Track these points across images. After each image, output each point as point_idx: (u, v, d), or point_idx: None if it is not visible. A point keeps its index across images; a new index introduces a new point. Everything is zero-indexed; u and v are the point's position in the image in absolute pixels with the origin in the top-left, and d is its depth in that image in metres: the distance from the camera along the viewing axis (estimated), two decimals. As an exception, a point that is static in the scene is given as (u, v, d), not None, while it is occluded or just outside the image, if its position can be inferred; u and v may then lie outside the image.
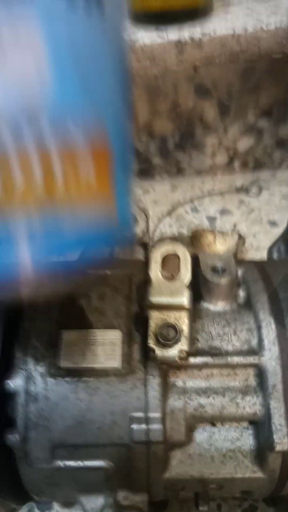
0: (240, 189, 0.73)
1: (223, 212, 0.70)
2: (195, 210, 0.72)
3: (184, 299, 0.31)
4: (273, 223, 0.67)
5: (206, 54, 0.61)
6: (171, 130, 0.74)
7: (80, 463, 0.32)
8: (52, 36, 0.17)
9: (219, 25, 0.61)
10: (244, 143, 0.74)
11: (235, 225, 0.67)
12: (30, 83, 0.17)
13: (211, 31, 0.60)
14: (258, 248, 0.63)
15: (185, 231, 0.68)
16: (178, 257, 0.34)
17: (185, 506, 0.41)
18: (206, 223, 0.69)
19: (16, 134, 0.17)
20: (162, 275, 0.33)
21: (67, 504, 0.43)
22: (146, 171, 0.77)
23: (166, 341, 0.30)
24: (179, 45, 0.60)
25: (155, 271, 0.33)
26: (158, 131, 0.74)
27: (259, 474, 0.32)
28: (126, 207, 0.23)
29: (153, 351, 0.30)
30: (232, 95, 0.70)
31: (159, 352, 0.30)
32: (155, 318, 0.31)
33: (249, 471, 0.32)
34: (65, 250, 0.19)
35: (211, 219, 0.69)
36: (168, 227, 0.70)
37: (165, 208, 0.73)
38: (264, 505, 0.41)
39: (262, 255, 0.62)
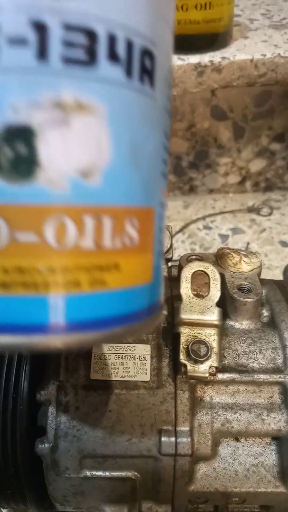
0: (251, 209, 0.74)
1: (235, 230, 0.72)
2: (207, 227, 0.73)
3: (215, 317, 0.32)
4: (284, 243, 0.69)
5: (224, 78, 0.63)
6: (186, 149, 0.76)
7: (107, 474, 0.32)
8: (111, 104, 0.18)
9: (238, 51, 0.63)
10: (257, 164, 0.76)
11: (248, 244, 0.68)
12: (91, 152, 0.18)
13: (230, 56, 0.62)
14: (270, 267, 0.65)
15: (197, 248, 0.69)
16: (206, 275, 0.35)
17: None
18: (218, 241, 0.71)
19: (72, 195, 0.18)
20: (192, 293, 0.34)
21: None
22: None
23: (197, 357, 0.31)
24: (199, 68, 0.62)
25: (186, 289, 0.34)
26: (173, 149, 0.76)
27: (281, 489, 0.33)
28: (159, 268, 0.23)
29: (185, 366, 0.31)
30: (247, 118, 0.72)
31: (190, 367, 0.31)
32: (186, 335, 0.32)
33: (271, 486, 0.33)
34: (107, 311, 0.19)
35: (223, 237, 0.71)
36: (180, 243, 0.71)
37: (177, 224, 0.74)
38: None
39: (273, 273, 0.63)
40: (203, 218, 0.75)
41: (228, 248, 0.39)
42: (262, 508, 0.36)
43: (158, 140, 0.21)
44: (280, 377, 0.33)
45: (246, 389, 0.33)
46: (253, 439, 0.33)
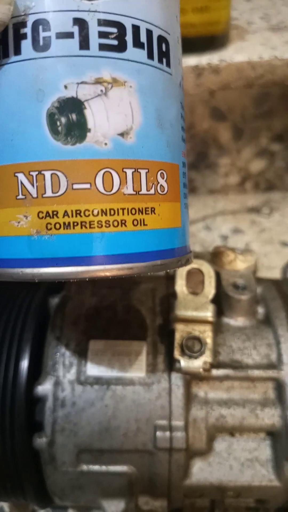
0: (251, 209, 0.75)
1: (235, 231, 0.72)
2: (207, 228, 0.74)
3: (209, 313, 0.33)
4: (284, 244, 0.69)
5: (222, 80, 0.64)
6: (186, 150, 0.76)
7: (104, 468, 0.33)
8: (138, 79, 0.23)
9: (236, 53, 0.64)
10: (256, 165, 0.77)
11: (247, 245, 0.69)
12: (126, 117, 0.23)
13: (227, 58, 0.63)
14: (269, 268, 0.65)
15: (197, 248, 0.70)
16: (201, 273, 0.36)
17: (198, 516, 0.42)
18: (218, 241, 0.71)
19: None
20: (187, 290, 0.34)
21: (82, 510, 0.44)
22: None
23: (192, 352, 0.32)
24: (197, 70, 0.63)
25: (181, 286, 0.34)
26: (173, 151, 0.76)
27: (276, 483, 0.33)
28: (186, 217, 0.27)
29: (179, 361, 0.32)
30: (246, 119, 0.73)
31: (184, 363, 0.32)
32: (181, 331, 0.33)
33: (266, 480, 0.33)
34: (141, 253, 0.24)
35: (223, 238, 0.71)
36: (180, 244, 0.72)
37: (178, 225, 0.75)
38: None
39: (272, 274, 0.64)
40: (203, 218, 0.75)
41: (224, 247, 0.40)
42: (257, 502, 0.36)
43: (177, 109, 0.26)
44: (274, 372, 0.33)
45: (240, 385, 0.34)
46: (248, 434, 0.34)
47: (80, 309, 0.36)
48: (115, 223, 0.22)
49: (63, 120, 0.22)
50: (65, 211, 0.22)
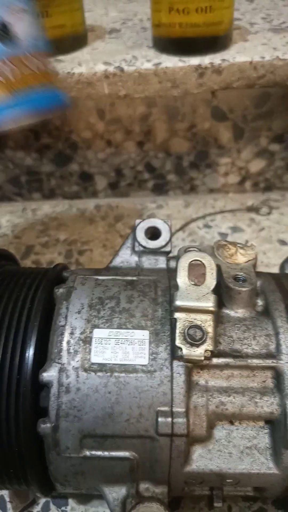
0: (250, 208, 0.76)
1: (234, 229, 0.73)
2: (207, 226, 0.75)
3: (210, 303, 0.34)
4: (282, 242, 0.70)
5: (224, 79, 0.65)
6: (187, 149, 0.77)
7: (106, 453, 0.34)
8: None
9: (238, 53, 0.65)
10: (256, 165, 0.78)
11: (246, 242, 0.70)
12: None
13: (230, 58, 0.64)
14: (268, 265, 0.66)
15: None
16: (203, 265, 0.37)
17: (197, 507, 0.43)
18: (217, 239, 0.72)
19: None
20: (189, 281, 0.35)
21: (82, 500, 0.45)
22: (161, 187, 0.81)
23: (193, 340, 0.33)
24: (199, 69, 0.64)
25: (183, 277, 0.35)
26: (174, 149, 0.77)
27: (274, 471, 0.34)
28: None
29: (181, 349, 0.33)
30: (247, 119, 0.74)
31: (186, 351, 0.33)
32: (183, 320, 0.34)
33: (264, 467, 0.34)
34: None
35: (223, 236, 0.72)
36: (180, 241, 0.73)
37: (178, 223, 0.76)
38: (273, 508, 0.43)
39: (271, 271, 0.64)
40: (203, 217, 0.76)
41: (225, 241, 0.41)
42: (255, 491, 0.37)
43: None
44: (273, 362, 0.34)
45: (240, 374, 0.35)
46: (247, 423, 0.35)
47: (84, 298, 0.37)
48: None
49: None
50: None
